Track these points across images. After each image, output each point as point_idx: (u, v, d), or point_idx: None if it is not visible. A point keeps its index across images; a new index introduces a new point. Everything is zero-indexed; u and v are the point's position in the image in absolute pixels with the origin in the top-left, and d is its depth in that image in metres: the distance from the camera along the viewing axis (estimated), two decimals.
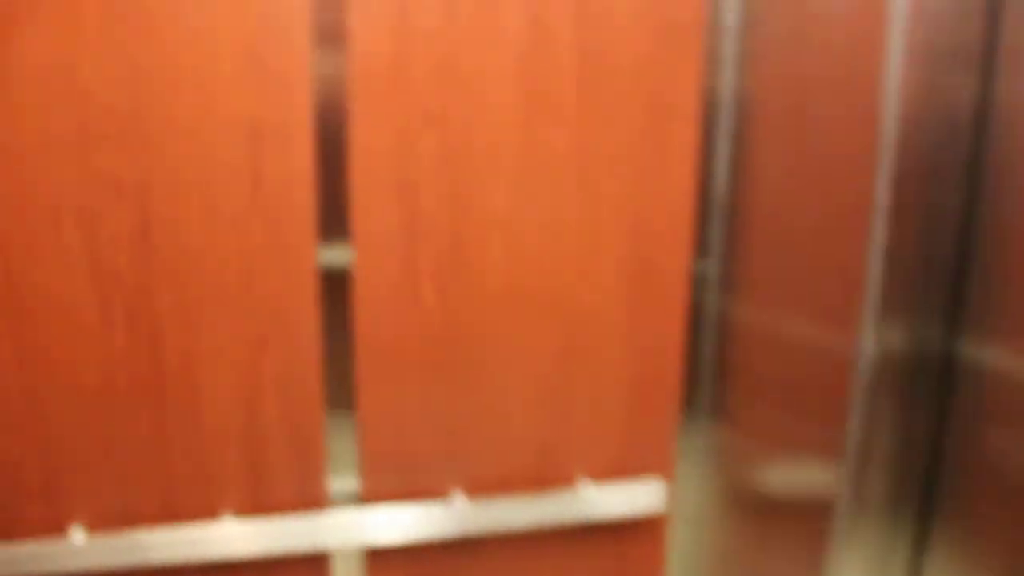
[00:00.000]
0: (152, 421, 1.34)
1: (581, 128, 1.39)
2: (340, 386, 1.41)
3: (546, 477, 1.52)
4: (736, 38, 1.47)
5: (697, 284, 1.58)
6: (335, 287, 1.38)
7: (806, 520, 1.46)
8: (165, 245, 1.28)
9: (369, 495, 1.45)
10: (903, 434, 1.35)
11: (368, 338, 1.39)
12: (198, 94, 1.25)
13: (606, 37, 1.37)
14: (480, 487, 1.50)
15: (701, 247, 1.57)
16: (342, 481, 1.45)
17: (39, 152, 1.22)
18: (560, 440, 1.51)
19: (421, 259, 1.38)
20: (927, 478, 1.38)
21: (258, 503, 1.40)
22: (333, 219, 1.36)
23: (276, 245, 1.32)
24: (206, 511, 1.38)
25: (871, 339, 1.28)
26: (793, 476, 1.50)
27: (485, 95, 1.35)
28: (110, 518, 1.35)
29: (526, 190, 1.39)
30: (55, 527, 1.34)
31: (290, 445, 1.39)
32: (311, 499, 1.42)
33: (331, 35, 1.30)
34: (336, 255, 1.38)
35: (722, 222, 1.55)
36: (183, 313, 1.31)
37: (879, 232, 1.24)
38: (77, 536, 1.32)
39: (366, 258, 1.36)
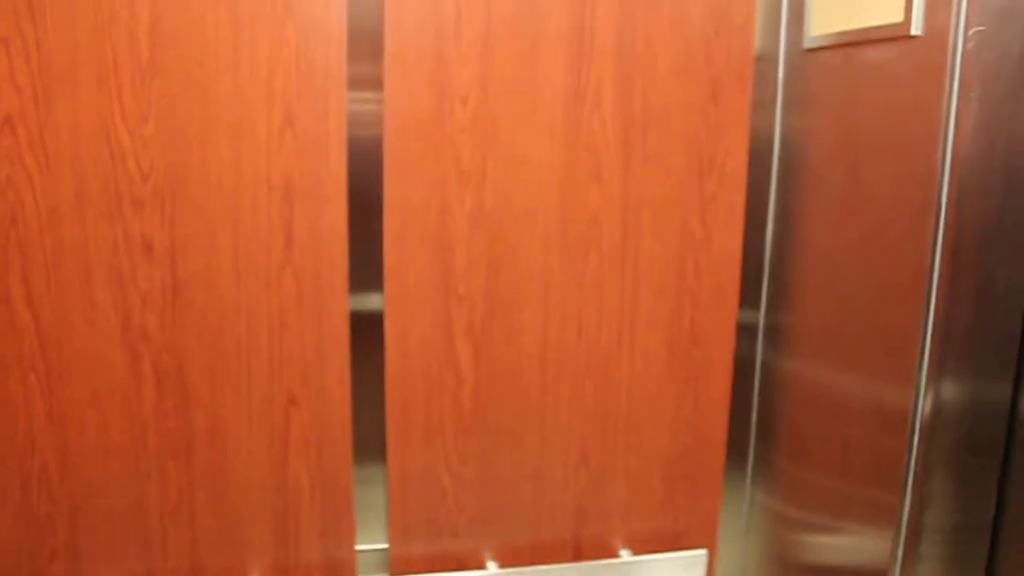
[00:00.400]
0: (180, 481, 1.31)
1: (623, 187, 1.35)
2: (371, 436, 1.38)
3: (584, 546, 1.47)
4: (786, 93, 1.42)
5: (743, 338, 1.52)
6: (369, 330, 1.35)
7: None
8: (196, 304, 1.27)
9: (398, 562, 1.41)
10: (961, 501, 1.27)
11: (399, 399, 1.36)
12: (233, 155, 1.24)
13: (650, 93, 1.33)
14: (515, 556, 1.45)
15: (749, 299, 1.51)
16: (371, 543, 1.41)
17: (73, 213, 1.21)
18: (599, 508, 1.46)
19: (455, 318, 1.34)
20: (988, 548, 1.31)
21: (286, 568, 1.37)
22: (368, 268, 1.33)
23: (307, 303, 1.30)
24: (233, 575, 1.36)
25: (927, 398, 1.22)
26: (842, 545, 1.43)
27: (523, 153, 1.31)
28: None
29: (564, 250, 1.35)
30: None
31: (319, 509, 1.36)
32: (339, 565, 1.38)
33: (367, 91, 1.28)
34: (371, 300, 1.35)
35: (771, 275, 1.50)
36: (212, 371, 1.29)
37: (935, 286, 1.18)
38: None
39: (398, 316, 1.33)
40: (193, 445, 1.31)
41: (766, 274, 1.50)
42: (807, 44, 1.35)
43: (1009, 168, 1.11)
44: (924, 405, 1.22)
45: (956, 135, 1.11)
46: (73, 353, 1.25)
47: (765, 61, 1.40)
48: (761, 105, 1.42)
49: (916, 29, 1.12)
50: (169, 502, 1.32)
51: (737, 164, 1.37)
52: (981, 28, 1.05)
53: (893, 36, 1.17)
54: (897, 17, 1.15)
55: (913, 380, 1.22)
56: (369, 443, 1.37)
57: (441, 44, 1.26)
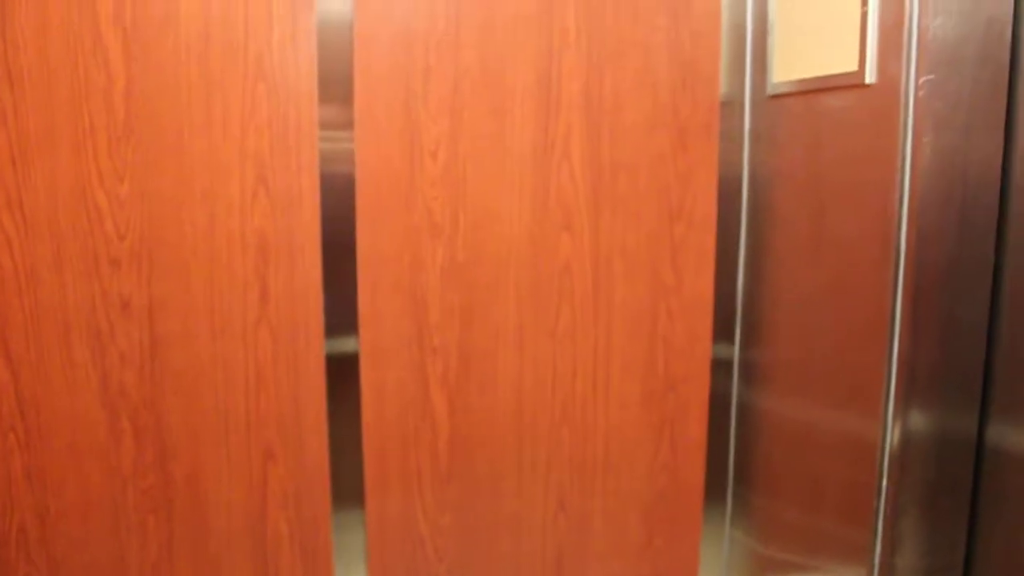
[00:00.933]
0: (159, 536, 1.32)
1: (593, 236, 1.37)
2: (349, 484, 1.38)
3: None
4: (753, 137, 1.45)
5: (719, 378, 1.52)
6: (345, 381, 1.36)
7: None
8: (173, 361, 1.28)
9: None
10: (932, 537, 1.28)
11: (376, 450, 1.36)
12: (207, 213, 1.26)
13: (618, 143, 1.35)
14: None
15: (724, 339, 1.52)
16: None
17: (51, 273, 1.23)
18: (579, 554, 1.46)
19: (430, 369, 1.36)
20: None
21: None
22: (343, 321, 1.35)
23: (283, 357, 1.31)
24: None
25: (894, 433, 1.22)
26: None
27: (493, 204, 1.33)
28: None
29: (537, 300, 1.37)
30: None
31: (299, 560, 1.36)
32: None
33: (339, 148, 1.30)
34: (347, 351, 1.36)
35: (744, 315, 1.51)
36: (190, 427, 1.30)
37: (897, 325, 1.19)
38: None
39: (373, 368, 1.34)
40: (172, 500, 1.32)
41: (739, 314, 1.51)
42: (770, 91, 1.38)
43: (966, 209, 1.13)
44: (892, 439, 1.23)
45: (912, 181, 1.13)
46: (52, 411, 1.26)
47: (732, 106, 1.43)
48: (729, 149, 1.44)
49: (870, 78, 1.15)
50: (149, 557, 1.32)
51: (706, 210, 1.39)
52: (931, 77, 1.08)
53: (849, 84, 1.20)
54: (852, 66, 1.18)
55: (880, 417, 1.23)
56: (348, 491, 1.38)
57: (410, 100, 1.29)
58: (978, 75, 1.08)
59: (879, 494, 1.24)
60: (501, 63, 1.31)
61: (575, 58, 1.33)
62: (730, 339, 1.51)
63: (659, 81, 1.36)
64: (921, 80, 1.09)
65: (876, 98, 1.16)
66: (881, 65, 1.14)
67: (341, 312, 1.32)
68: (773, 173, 1.41)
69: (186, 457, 1.31)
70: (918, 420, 1.21)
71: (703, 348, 1.44)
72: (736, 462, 1.55)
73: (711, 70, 1.37)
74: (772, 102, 1.39)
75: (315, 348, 1.32)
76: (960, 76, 1.07)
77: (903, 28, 1.09)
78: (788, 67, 1.34)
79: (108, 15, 1.20)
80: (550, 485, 1.43)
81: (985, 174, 1.10)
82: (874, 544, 1.26)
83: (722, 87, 1.40)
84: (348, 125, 1.28)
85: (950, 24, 1.06)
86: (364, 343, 1.33)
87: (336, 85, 1.28)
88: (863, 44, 1.15)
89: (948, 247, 1.15)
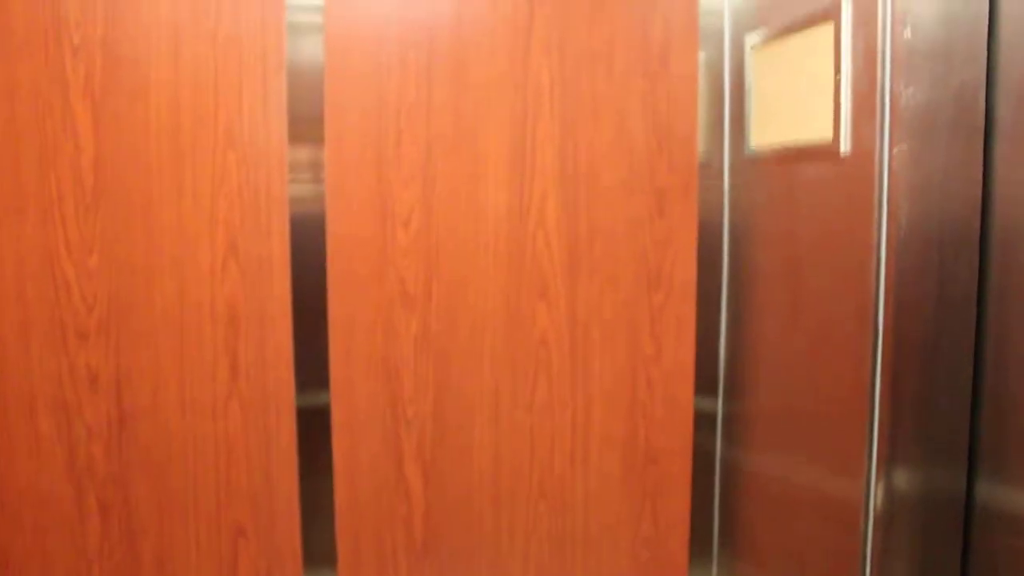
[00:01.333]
0: None
1: (570, 304, 1.34)
2: (322, 561, 1.34)
3: None
4: (733, 200, 1.43)
5: (703, 446, 1.49)
6: (318, 455, 1.33)
7: None
8: (141, 435, 1.26)
9: None
10: None
11: (350, 528, 1.33)
12: (177, 285, 1.24)
13: (594, 208, 1.33)
14: None
15: (705, 401, 1.49)
16: None
17: (17, 345, 1.21)
18: None
19: (404, 442, 1.33)
20: None
21: None
22: (315, 394, 1.32)
23: (255, 431, 1.28)
24: None
25: (877, 496, 1.19)
26: None
27: (467, 273, 1.31)
28: None
29: (513, 371, 1.34)
30: None
31: None
32: None
33: (310, 216, 1.29)
34: (319, 425, 1.33)
35: (726, 380, 1.48)
36: (159, 503, 1.27)
37: (878, 391, 1.17)
38: None
39: (346, 443, 1.31)
40: None
41: (721, 379, 1.48)
42: (748, 155, 1.37)
43: (944, 271, 1.11)
44: (876, 505, 1.20)
45: (888, 250, 1.11)
46: (15, 487, 1.23)
47: (711, 169, 1.41)
48: (708, 213, 1.41)
49: (844, 147, 1.13)
50: None
51: (686, 276, 1.37)
52: (904, 146, 1.06)
53: (824, 153, 1.18)
54: (827, 134, 1.16)
55: (862, 483, 1.21)
56: (321, 566, 1.34)
57: (382, 165, 1.27)
58: (952, 142, 1.06)
59: (863, 562, 1.21)
60: (475, 127, 1.29)
61: (550, 122, 1.31)
62: (713, 404, 1.48)
63: (635, 144, 1.34)
64: (895, 150, 1.07)
65: (851, 168, 1.14)
66: (855, 134, 1.12)
67: (313, 383, 1.30)
68: (753, 238, 1.39)
69: (154, 534, 1.28)
70: (902, 484, 1.17)
71: (684, 419, 1.40)
72: (720, 529, 1.51)
73: (688, 133, 1.36)
74: (751, 166, 1.38)
75: (286, 421, 1.29)
76: (934, 144, 1.05)
77: (875, 97, 1.07)
78: (766, 132, 1.33)
79: (78, 84, 1.20)
80: (528, 561, 1.38)
81: (962, 240, 1.08)
82: None
83: (701, 149, 1.39)
84: (319, 192, 1.27)
85: (922, 92, 1.05)
86: (336, 415, 1.30)
87: (307, 151, 1.27)
88: (837, 113, 1.14)
89: (927, 310, 1.12)
